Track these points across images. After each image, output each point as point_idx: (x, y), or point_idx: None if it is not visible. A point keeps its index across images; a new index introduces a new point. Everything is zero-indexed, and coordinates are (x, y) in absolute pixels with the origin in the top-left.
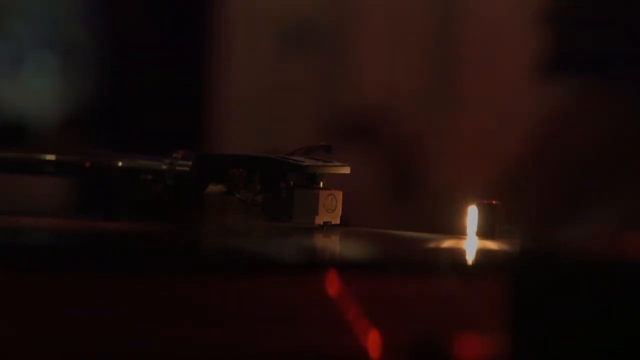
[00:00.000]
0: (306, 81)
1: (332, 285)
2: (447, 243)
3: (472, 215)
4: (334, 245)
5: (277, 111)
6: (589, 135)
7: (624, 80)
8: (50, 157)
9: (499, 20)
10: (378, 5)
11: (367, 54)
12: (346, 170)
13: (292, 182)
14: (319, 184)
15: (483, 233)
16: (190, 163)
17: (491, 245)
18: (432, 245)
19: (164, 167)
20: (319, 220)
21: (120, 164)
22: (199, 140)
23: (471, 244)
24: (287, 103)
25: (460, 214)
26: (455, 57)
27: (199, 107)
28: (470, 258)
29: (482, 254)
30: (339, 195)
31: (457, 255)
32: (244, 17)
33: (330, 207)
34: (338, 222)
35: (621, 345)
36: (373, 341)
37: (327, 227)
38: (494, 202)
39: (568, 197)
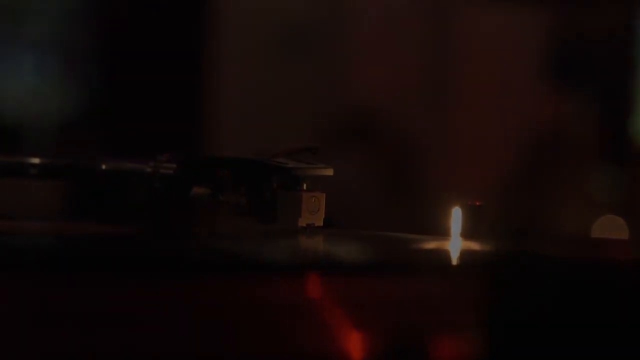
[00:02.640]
0: (300, 83)
1: (313, 287)
2: (431, 244)
3: (456, 217)
4: (315, 246)
5: (270, 113)
6: (575, 139)
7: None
8: (35, 160)
9: (494, 26)
10: (373, 7)
11: (361, 57)
12: (329, 172)
13: (275, 184)
14: (302, 185)
15: (468, 234)
16: (174, 165)
17: (475, 246)
18: (414, 246)
19: (149, 169)
20: (302, 222)
21: (104, 167)
22: (192, 144)
23: (455, 245)
24: (280, 105)
25: (446, 215)
26: (446, 61)
27: (193, 109)
28: (453, 259)
29: (466, 255)
30: (322, 197)
31: (440, 256)
32: (239, 19)
33: (314, 209)
34: (321, 224)
35: (603, 345)
36: (356, 343)
37: (310, 229)
38: (478, 203)
39: (554, 199)
